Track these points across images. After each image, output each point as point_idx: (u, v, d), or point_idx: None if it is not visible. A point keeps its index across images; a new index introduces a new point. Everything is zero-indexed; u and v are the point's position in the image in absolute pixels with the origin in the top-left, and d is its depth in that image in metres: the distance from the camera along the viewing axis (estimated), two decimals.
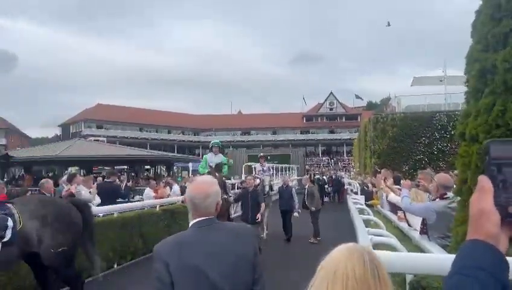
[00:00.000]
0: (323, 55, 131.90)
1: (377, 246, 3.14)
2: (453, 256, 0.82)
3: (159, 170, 31.74)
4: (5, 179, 20.39)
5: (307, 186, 11.07)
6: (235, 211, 13.54)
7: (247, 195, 8.85)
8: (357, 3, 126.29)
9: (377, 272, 1.15)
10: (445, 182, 4.18)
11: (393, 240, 3.83)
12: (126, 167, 29.70)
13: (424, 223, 4.24)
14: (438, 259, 2.40)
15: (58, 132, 68.20)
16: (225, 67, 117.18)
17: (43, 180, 6.77)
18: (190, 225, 2.05)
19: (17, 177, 27.49)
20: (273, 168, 26.76)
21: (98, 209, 7.92)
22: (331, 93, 71.16)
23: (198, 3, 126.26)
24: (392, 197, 5.34)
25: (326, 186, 26.96)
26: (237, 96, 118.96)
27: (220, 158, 9.39)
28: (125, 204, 9.17)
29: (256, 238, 3.49)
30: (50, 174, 24.35)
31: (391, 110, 24.64)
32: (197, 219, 2.03)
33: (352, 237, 3.70)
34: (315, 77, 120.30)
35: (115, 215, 8.06)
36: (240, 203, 9.76)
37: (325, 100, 70.83)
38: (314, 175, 27.71)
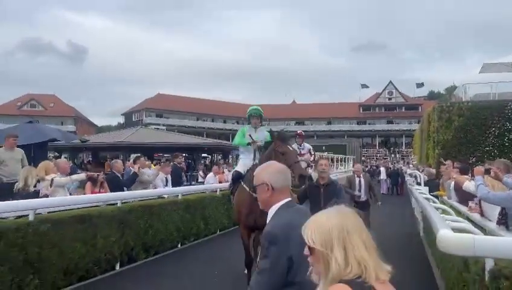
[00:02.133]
0: (383, 45, 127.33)
1: (455, 232, 3.01)
2: None
3: (215, 158, 32.49)
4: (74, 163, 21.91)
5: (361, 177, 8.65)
6: None
7: (318, 193, 5.53)
8: None
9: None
10: None
11: (469, 226, 3.65)
12: (185, 154, 30.71)
13: (503, 212, 4.01)
14: None
15: (121, 120, 71.95)
16: (282, 57, 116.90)
17: (113, 161, 7.21)
18: (279, 205, 2.10)
19: (86, 162, 29.41)
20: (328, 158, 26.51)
21: (164, 191, 8.31)
22: (390, 82, 68.54)
23: None
24: (468, 185, 5.05)
25: (382, 178, 26.20)
26: (293, 87, 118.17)
27: (263, 134, 6.10)
28: (189, 186, 9.52)
29: None
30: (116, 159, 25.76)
31: (457, 99, 23.28)
32: (286, 200, 2.10)
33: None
34: (374, 66, 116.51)
35: (179, 197, 8.39)
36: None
37: (384, 89, 68.39)
38: (370, 167, 26.86)
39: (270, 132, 5.44)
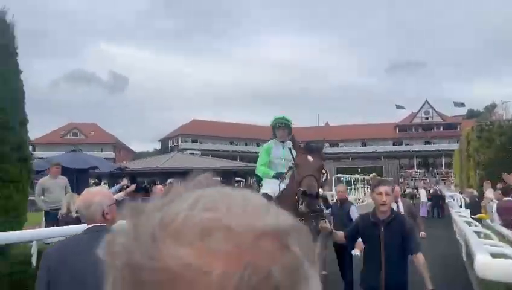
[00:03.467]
0: (419, 64, 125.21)
1: (494, 257, 2.90)
2: None
3: (250, 182, 32.69)
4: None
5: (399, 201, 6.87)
6: None
7: (376, 232, 4.39)
8: (455, 9, 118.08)
9: None
10: None
11: (510, 250, 3.50)
12: (219, 178, 31.13)
13: None
14: None
15: (157, 146, 73.90)
16: (315, 79, 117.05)
17: (156, 186, 7.57)
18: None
19: (125, 187, 30.35)
20: (361, 181, 25.87)
21: None
22: (426, 101, 66.98)
23: (286, 17, 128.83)
24: None
25: (422, 200, 25.31)
26: (326, 109, 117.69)
27: (287, 151, 4.63)
28: None
29: None
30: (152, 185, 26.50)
31: (497, 117, 22.47)
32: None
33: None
34: (409, 86, 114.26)
35: None
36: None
37: (420, 109, 66.85)
38: (404, 190, 25.81)
39: (293, 139, 4.34)
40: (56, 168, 7.28)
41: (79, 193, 3.22)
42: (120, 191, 7.77)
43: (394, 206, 6.51)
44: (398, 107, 67.61)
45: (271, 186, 4.49)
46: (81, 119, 67.12)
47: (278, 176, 4.37)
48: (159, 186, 7.93)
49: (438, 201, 23.87)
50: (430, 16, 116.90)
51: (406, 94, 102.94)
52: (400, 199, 7.08)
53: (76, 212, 5.92)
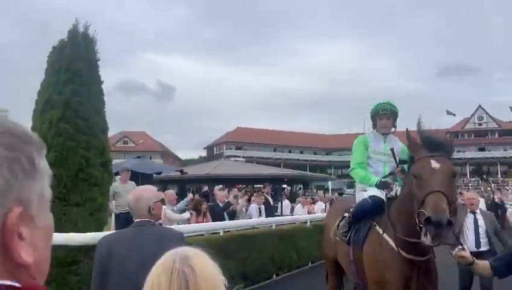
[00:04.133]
0: (470, 68, 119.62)
1: None
2: None
3: (294, 189, 32.51)
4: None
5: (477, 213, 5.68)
6: None
7: None
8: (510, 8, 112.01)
9: (185, 286, 0.95)
10: None
11: None
12: (268, 184, 31.21)
13: None
14: None
15: (203, 153, 75.32)
16: (360, 85, 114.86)
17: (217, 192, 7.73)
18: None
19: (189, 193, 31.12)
20: None
21: (259, 221, 8.53)
22: (480, 106, 63.85)
23: (330, 23, 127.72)
24: None
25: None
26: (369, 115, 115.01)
27: (398, 146, 3.81)
28: (282, 217, 9.67)
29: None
30: (202, 191, 27.03)
31: None
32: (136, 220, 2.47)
33: None
34: (460, 91, 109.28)
35: (273, 227, 8.55)
36: None
37: (473, 114, 63.81)
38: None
39: (407, 134, 3.21)
40: (126, 173, 7.63)
41: None
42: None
43: (470, 219, 5.54)
44: (449, 113, 64.89)
45: (374, 190, 3.55)
46: (131, 127, 69.67)
47: (384, 187, 3.45)
48: (221, 192, 8.08)
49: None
50: (483, 16, 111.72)
51: (456, 99, 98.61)
52: (479, 211, 5.77)
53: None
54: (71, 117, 5.05)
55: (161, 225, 3.95)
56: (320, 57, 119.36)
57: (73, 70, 5.19)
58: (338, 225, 3.82)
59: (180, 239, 2.53)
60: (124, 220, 6.76)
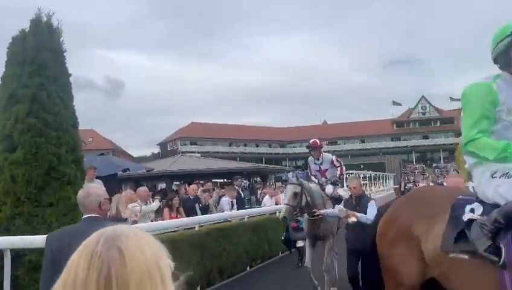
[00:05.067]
0: (414, 59, 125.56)
1: None
2: None
3: (252, 181, 32.71)
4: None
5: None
6: None
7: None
8: (452, 2, 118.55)
9: (107, 271, 0.73)
10: None
11: None
12: (223, 179, 31.13)
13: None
14: None
15: (155, 150, 73.61)
16: (312, 78, 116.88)
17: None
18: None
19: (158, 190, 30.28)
20: (364, 176, 25.92)
21: (232, 214, 8.49)
22: (423, 96, 67.46)
23: (282, 17, 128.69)
24: None
25: None
26: (324, 107, 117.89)
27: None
28: (253, 209, 9.70)
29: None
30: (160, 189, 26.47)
31: None
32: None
33: None
34: (405, 81, 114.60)
35: (245, 219, 8.55)
36: None
37: (417, 104, 67.32)
38: (405, 184, 25.92)
39: None
40: (93, 171, 7.29)
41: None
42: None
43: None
44: (395, 103, 68.00)
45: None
46: (80, 126, 66.54)
47: None
48: (192, 186, 7.94)
49: None
50: (425, 11, 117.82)
51: (402, 89, 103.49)
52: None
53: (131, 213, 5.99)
54: (39, 112, 4.72)
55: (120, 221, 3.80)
56: (273, 50, 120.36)
57: (39, 62, 4.84)
58: (452, 234, 2.46)
59: None
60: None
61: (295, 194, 5.59)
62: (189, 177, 25.92)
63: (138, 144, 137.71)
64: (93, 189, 2.91)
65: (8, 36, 5.12)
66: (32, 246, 4.27)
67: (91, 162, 7.64)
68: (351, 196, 5.38)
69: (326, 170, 6.70)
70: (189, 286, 3.60)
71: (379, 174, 32.07)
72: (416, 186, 30.74)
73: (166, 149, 64.52)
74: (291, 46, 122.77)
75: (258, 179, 33.36)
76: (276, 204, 11.09)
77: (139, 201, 6.57)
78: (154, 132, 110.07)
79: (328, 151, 8.78)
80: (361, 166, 37.43)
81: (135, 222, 5.83)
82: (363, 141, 67.24)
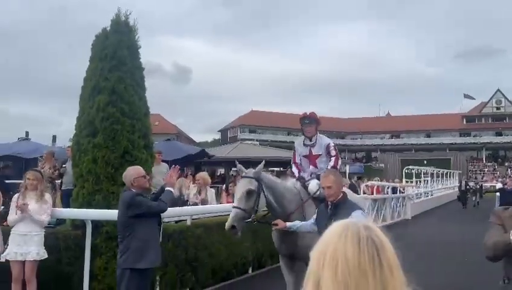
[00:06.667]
0: (489, 50, 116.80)
1: None
2: None
3: None
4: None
5: None
6: None
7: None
8: None
9: (377, 254, 0.89)
10: None
11: None
12: (280, 168, 31.54)
13: None
14: None
15: (216, 136, 75.87)
16: (376, 68, 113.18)
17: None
18: None
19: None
20: (428, 173, 24.69)
21: None
22: (498, 90, 62.69)
23: (347, 3, 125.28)
24: None
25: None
26: (388, 99, 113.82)
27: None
28: None
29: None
30: (219, 174, 27.50)
31: None
32: None
33: None
34: (478, 74, 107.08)
35: None
36: None
37: (490, 98, 62.75)
38: (466, 183, 24.47)
39: None
40: (159, 155, 7.98)
41: None
42: None
43: None
44: (466, 96, 63.88)
45: None
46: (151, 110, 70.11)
47: None
48: None
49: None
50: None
51: (474, 82, 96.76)
52: None
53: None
54: (117, 102, 5.35)
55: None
56: (337, 39, 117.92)
57: (118, 57, 5.47)
58: None
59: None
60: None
61: (249, 193, 4.09)
62: (246, 164, 26.51)
63: (200, 129, 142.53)
64: (127, 171, 4.23)
65: (88, 29, 5.83)
66: (108, 219, 4.96)
67: (157, 148, 8.34)
68: (325, 201, 3.74)
69: (318, 156, 4.94)
70: (243, 266, 4.18)
71: (443, 171, 30.68)
72: (478, 186, 28.90)
73: (227, 136, 66.24)
74: (353, 34, 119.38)
75: None
76: None
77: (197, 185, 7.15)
78: (215, 118, 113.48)
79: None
80: (425, 162, 36.03)
81: (195, 204, 6.40)
82: (428, 136, 64.14)
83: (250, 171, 4.26)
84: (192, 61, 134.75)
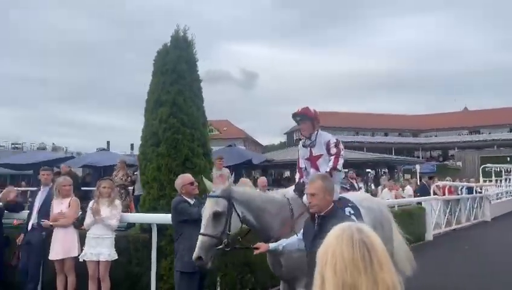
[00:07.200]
0: None
1: None
2: None
3: (380, 172, 31.68)
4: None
5: None
6: None
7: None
8: None
9: (367, 253, 1.08)
10: None
11: None
12: (347, 169, 30.93)
13: None
14: None
15: (282, 139, 76.25)
16: (448, 61, 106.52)
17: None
18: None
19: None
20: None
21: None
22: None
23: None
24: None
25: None
26: (464, 92, 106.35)
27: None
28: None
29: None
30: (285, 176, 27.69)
31: None
32: None
33: None
34: None
35: None
36: None
37: None
38: None
39: None
40: (220, 161, 8.32)
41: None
42: None
43: None
44: None
45: None
46: (215, 116, 72.64)
47: None
48: None
49: None
50: None
51: None
52: None
53: None
54: (177, 113, 5.74)
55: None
56: (404, 32, 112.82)
57: (178, 72, 5.87)
58: None
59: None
60: None
61: (216, 216, 3.50)
62: None
63: (268, 133, 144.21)
64: (177, 179, 4.68)
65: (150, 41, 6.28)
66: (171, 222, 5.30)
67: (220, 153, 8.72)
68: (310, 213, 3.12)
69: (320, 156, 4.25)
70: None
71: None
72: None
73: (292, 138, 66.24)
74: (423, 26, 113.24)
75: (386, 170, 32.23)
76: (396, 198, 10.93)
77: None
78: (282, 121, 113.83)
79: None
80: (508, 159, 33.20)
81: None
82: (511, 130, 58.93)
83: (218, 189, 3.58)
84: (258, 66, 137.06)
